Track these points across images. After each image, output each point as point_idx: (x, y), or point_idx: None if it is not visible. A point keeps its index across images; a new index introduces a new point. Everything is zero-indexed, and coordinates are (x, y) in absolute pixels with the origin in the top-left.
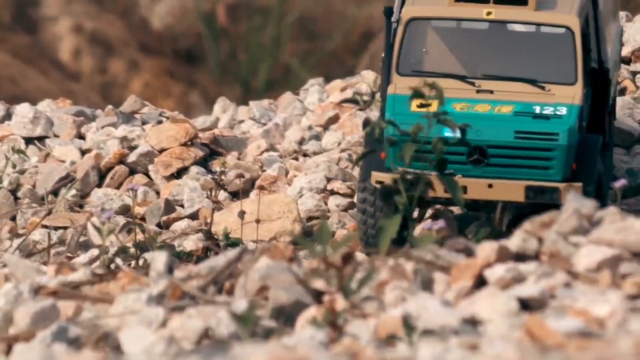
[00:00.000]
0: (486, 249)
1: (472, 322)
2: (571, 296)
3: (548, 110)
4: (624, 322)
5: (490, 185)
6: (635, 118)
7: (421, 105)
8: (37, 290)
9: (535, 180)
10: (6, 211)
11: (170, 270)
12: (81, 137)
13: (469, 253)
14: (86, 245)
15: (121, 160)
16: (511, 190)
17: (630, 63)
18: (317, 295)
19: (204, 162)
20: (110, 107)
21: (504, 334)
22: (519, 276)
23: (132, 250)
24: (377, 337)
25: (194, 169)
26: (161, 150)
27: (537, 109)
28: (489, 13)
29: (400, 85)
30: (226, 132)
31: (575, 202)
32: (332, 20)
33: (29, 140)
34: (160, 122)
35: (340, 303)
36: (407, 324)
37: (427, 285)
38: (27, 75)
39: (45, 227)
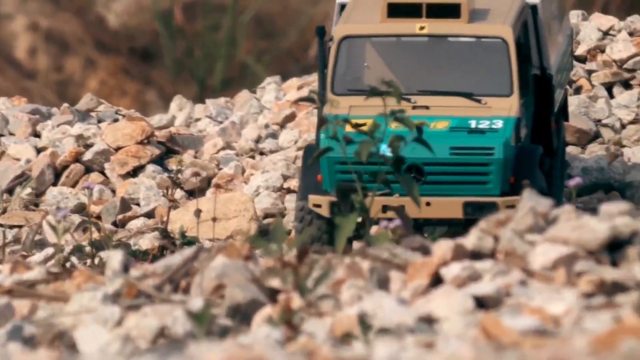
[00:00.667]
0: (442, 247)
1: (428, 321)
2: (527, 294)
3: (484, 124)
4: (579, 320)
5: (428, 204)
6: (591, 117)
7: (356, 126)
8: None
9: (473, 196)
10: None
11: (126, 269)
12: (37, 135)
13: (425, 251)
14: (41, 244)
15: (77, 158)
16: (449, 207)
17: (586, 62)
18: (273, 294)
19: (160, 161)
20: (66, 105)
21: (460, 332)
22: (474, 274)
23: (88, 248)
24: (333, 335)
25: (150, 168)
26: (117, 149)
27: (473, 124)
28: (422, 28)
29: (336, 105)
30: (182, 131)
31: (531, 201)
32: (288, 18)
33: None
34: (116, 121)
35: (296, 301)
36: (363, 322)
37: (383, 284)
38: None
39: (0, 225)
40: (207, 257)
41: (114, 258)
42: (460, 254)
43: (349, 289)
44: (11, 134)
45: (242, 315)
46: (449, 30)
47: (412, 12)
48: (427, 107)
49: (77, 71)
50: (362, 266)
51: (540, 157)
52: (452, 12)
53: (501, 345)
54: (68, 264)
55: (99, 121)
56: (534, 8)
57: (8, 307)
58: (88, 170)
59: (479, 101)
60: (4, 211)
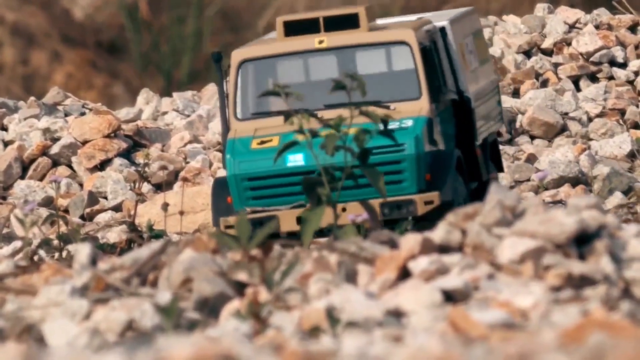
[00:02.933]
0: (410, 241)
1: (396, 314)
2: (494, 288)
3: (393, 126)
4: (547, 313)
5: (344, 209)
6: (558, 110)
7: (261, 143)
8: None
9: (390, 196)
10: None
11: (93, 262)
12: (3, 128)
13: (393, 245)
14: (9, 237)
15: (44, 152)
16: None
17: (552, 55)
18: (241, 288)
19: (127, 154)
20: (32, 98)
21: (428, 325)
22: (442, 268)
23: (56, 242)
24: (301, 329)
25: (118, 161)
26: (84, 142)
27: (381, 127)
28: (321, 42)
29: (241, 129)
30: (150, 124)
31: (498, 194)
32: (254, 11)
33: None
34: (83, 114)
35: (264, 295)
36: (331, 316)
37: (351, 277)
38: None
39: None
40: (175, 250)
41: (81, 251)
42: (428, 247)
43: (316, 282)
44: None
45: (210, 308)
46: (349, 40)
47: (309, 27)
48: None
49: (44, 64)
50: (330, 260)
51: (458, 160)
52: (350, 22)
53: (469, 339)
54: (36, 257)
55: (66, 115)
56: (442, 30)
57: None
58: (55, 163)
59: (388, 107)
60: None
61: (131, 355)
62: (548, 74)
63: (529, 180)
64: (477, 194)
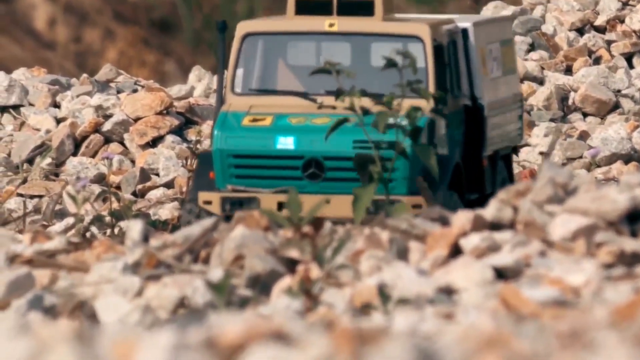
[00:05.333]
0: (461, 218)
1: (447, 291)
2: (546, 265)
3: (392, 122)
4: (598, 290)
5: (327, 201)
6: (610, 87)
7: (254, 120)
8: (12, 259)
9: (377, 194)
10: None
11: (145, 238)
12: (56, 105)
13: (444, 222)
14: (61, 214)
15: (96, 129)
16: (350, 205)
17: (605, 32)
18: (293, 265)
19: (179, 131)
20: (85, 75)
21: (479, 303)
22: (494, 245)
23: (108, 218)
24: (352, 306)
25: (170, 138)
26: (136, 119)
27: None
28: (331, 25)
29: (236, 104)
30: (201, 101)
31: (550, 171)
32: None
33: (3, 109)
34: (135, 91)
35: (315, 272)
36: (383, 293)
37: (402, 254)
38: (1, 44)
39: (21, 195)
40: (227, 227)
41: (133, 228)
42: (479, 224)
43: (368, 259)
44: (31, 104)
45: (262, 285)
46: (361, 27)
47: (321, 8)
48: (333, 108)
49: (96, 42)
50: (382, 237)
51: (455, 167)
52: (365, 9)
53: (520, 316)
54: (88, 234)
55: (118, 92)
56: (464, 31)
57: (28, 276)
58: (107, 140)
59: (389, 104)
60: (25, 181)
61: (183, 333)
62: (601, 51)
63: (581, 157)
64: (475, 205)
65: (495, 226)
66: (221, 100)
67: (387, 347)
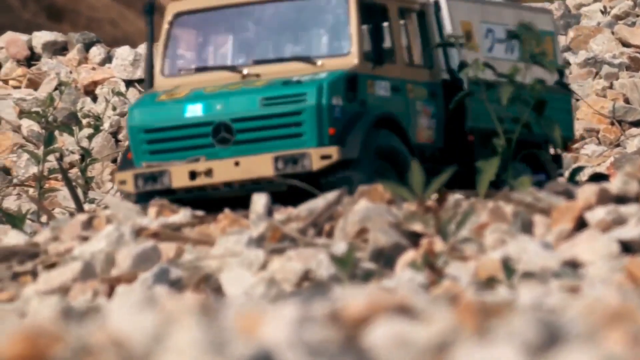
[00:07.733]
0: (586, 191)
1: (573, 265)
2: None
3: (305, 78)
4: None
5: (236, 163)
6: None
7: (170, 96)
8: (138, 232)
9: (286, 149)
10: (107, 154)
11: (270, 212)
12: None
13: (569, 195)
14: None
15: None
16: (259, 164)
17: None
18: (416, 238)
19: None
20: None
21: (605, 276)
22: (619, 218)
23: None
24: (476, 279)
25: None
26: None
27: (295, 78)
28: None
29: (161, 86)
30: None
31: None
32: None
33: (129, 83)
34: None
35: (439, 246)
36: (507, 266)
37: (527, 228)
38: (127, 18)
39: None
40: (350, 201)
41: (258, 202)
42: (604, 198)
43: (492, 233)
44: None
45: (386, 259)
46: None
47: None
48: (257, 76)
49: None
50: (506, 210)
51: (389, 122)
52: None
53: None
54: None
55: None
56: (436, 4)
57: (154, 250)
58: None
59: (315, 64)
60: None
61: (307, 306)
62: None
63: None
64: (461, 177)
65: (621, 199)
66: (150, 85)
67: (512, 321)
